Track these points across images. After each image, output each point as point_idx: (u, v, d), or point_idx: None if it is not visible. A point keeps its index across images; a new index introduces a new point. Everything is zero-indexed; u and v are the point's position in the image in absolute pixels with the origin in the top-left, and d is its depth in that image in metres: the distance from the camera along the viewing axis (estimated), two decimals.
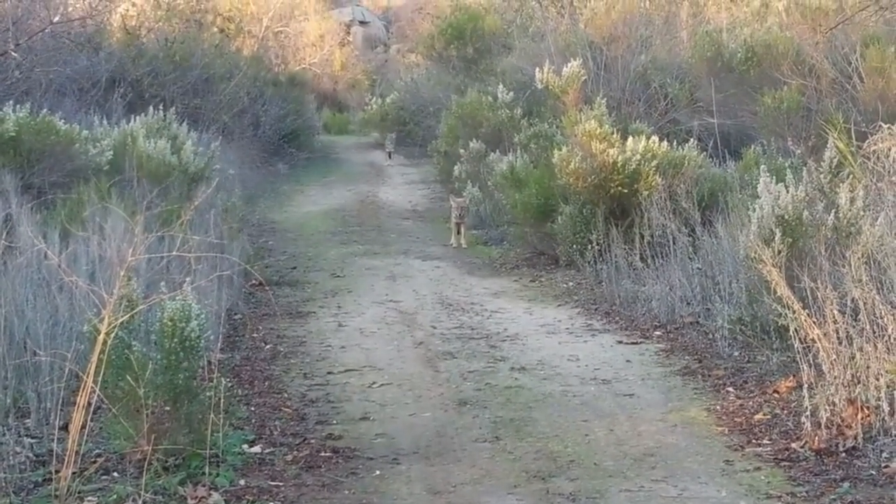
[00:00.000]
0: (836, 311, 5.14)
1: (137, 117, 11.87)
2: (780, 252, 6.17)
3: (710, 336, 7.18)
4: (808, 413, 5.01)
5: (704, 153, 10.48)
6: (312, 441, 5.32)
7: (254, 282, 9.01)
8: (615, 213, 9.74)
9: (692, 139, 10.80)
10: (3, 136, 9.24)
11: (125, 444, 4.65)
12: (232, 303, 8.02)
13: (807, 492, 4.53)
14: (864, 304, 5.13)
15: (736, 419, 5.55)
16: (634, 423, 5.57)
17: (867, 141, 6.98)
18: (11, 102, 9.78)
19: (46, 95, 12.22)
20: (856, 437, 4.91)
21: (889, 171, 6.63)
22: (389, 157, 22.45)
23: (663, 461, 4.97)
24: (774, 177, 6.95)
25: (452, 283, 9.90)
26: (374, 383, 6.46)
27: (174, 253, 5.44)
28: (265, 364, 6.90)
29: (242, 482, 4.66)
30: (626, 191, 9.68)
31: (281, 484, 4.70)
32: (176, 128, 12.25)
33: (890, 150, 6.59)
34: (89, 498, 4.30)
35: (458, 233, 12.18)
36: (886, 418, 4.93)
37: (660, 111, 13.70)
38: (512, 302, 8.97)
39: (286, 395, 6.17)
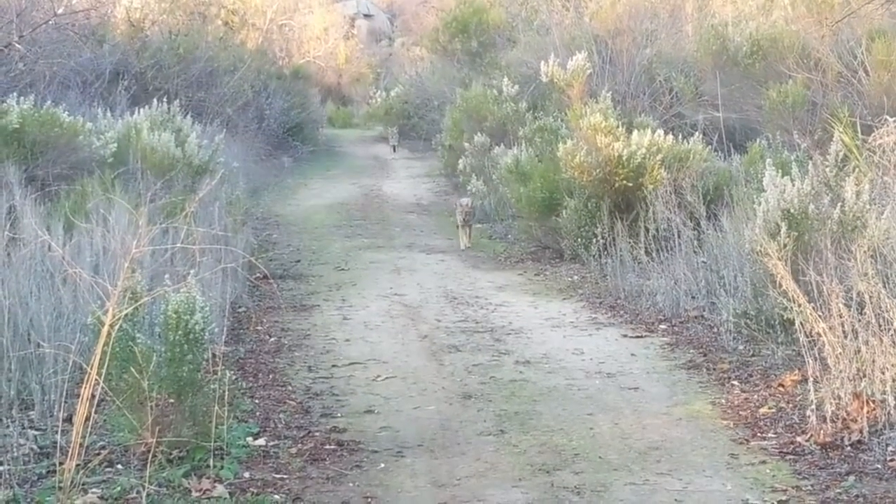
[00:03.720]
0: (841, 305, 5.12)
1: (141, 110, 11.90)
2: (785, 246, 6.16)
3: (715, 330, 7.17)
4: (813, 407, 5.00)
5: (709, 147, 10.46)
6: (317, 434, 5.31)
7: (258, 275, 9.00)
8: (620, 207, 9.73)
9: (697, 133, 10.78)
10: (7, 128, 9.24)
11: (129, 437, 4.65)
12: (236, 295, 8.03)
13: (812, 485, 4.51)
14: (870, 297, 5.11)
15: (741, 413, 5.54)
16: (639, 417, 5.56)
17: (873, 134, 6.97)
18: (15, 94, 9.79)
19: (50, 87, 12.23)
20: (861, 431, 4.90)
21: (895, 165, 6.61)
22: (394, 150, 22.43)
23: (668, 455, 4.96)
24: (780, 170, 6.94)
25: (457, 277, 9.88)
26: (378, 376, 6.45)
27: (178, 245, 5.44)
28: (269, 357, 6.90)
29: (247, 475, 4.66)
30: (630, 184, 9.67)
31: (285, 476, 4.69)
32: (180, 120, 12.26)
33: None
34: (93, 490, 4.30)
35: (465, 233, 11.89)
36: (892, 412, 4.92)
37: (665, 105, 13.66)
38: (516, 296, 8.96)
39: (291, 388, 6.17)
